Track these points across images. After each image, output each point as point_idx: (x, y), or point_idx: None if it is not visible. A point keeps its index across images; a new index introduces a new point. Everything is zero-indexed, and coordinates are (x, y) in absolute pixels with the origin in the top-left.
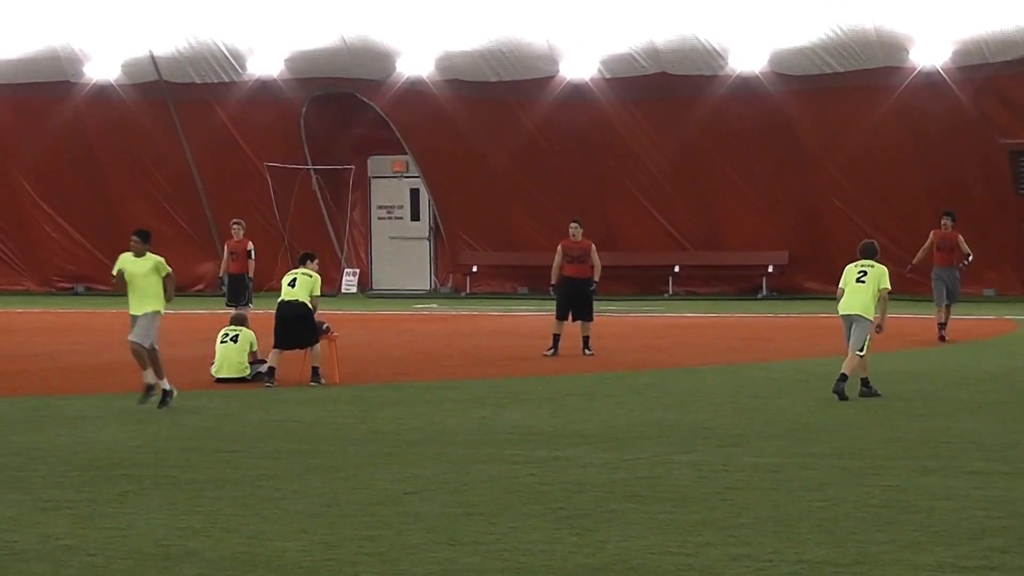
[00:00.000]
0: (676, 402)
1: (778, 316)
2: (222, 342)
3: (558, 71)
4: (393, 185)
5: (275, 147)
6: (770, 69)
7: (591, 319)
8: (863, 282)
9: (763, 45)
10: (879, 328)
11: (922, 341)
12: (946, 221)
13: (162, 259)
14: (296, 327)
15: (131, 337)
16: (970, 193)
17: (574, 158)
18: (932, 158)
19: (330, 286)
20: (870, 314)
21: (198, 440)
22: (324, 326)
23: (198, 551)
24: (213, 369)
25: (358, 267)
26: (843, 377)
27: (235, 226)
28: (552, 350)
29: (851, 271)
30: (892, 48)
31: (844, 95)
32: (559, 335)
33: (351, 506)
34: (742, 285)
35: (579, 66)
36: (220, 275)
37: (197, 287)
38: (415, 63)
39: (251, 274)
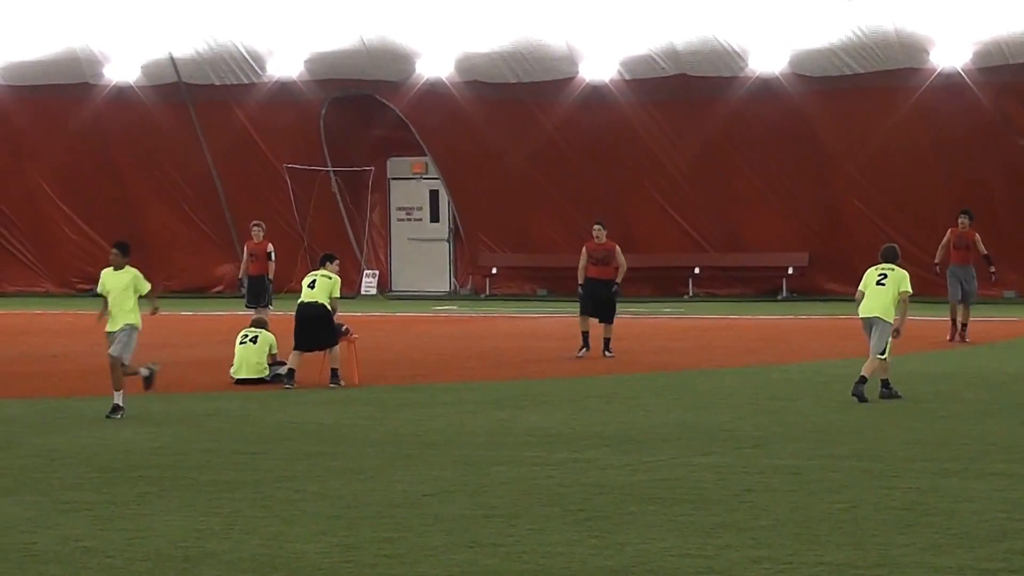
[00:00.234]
0: (696, 404)
1: (798, 318)
2: (241, 343)
3: (578, 72)
4: (412, 187)
5: (295, 149)
6: (790, 70)
7: (612, 321)
8: (883, 285)
9: (783, 46)
10: (897, 332)
11: (942, 343)
12: (963, 219)
13: (139, 273)
14: (315, 329)
15: (110, 351)
16: (990, 194)
17: (593, 160)
18: (952, 160)
19: (349, 288)
20: (890, 317)
21: (217, 441)
22: (343, 328)
23: (217, 553)
24: (232, 370)
25: (377, 269)
26: (862, 380)
27: (255, 228)
28: (584, 348)
29: (871, 274)
30: (912, 49)
31: (864, 96)
32: (587, 332)
33: (370, 508)
34: (762, 287)
35: (599, 67)
36: (240, 277)
37: (216, 288)
38: (434, 64)
39: (271, 276)
